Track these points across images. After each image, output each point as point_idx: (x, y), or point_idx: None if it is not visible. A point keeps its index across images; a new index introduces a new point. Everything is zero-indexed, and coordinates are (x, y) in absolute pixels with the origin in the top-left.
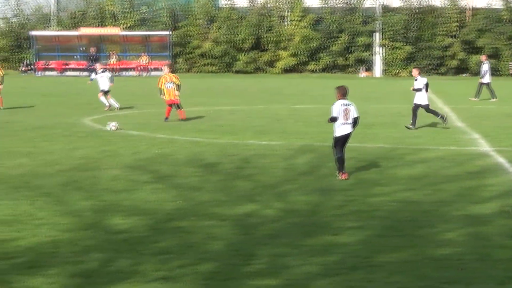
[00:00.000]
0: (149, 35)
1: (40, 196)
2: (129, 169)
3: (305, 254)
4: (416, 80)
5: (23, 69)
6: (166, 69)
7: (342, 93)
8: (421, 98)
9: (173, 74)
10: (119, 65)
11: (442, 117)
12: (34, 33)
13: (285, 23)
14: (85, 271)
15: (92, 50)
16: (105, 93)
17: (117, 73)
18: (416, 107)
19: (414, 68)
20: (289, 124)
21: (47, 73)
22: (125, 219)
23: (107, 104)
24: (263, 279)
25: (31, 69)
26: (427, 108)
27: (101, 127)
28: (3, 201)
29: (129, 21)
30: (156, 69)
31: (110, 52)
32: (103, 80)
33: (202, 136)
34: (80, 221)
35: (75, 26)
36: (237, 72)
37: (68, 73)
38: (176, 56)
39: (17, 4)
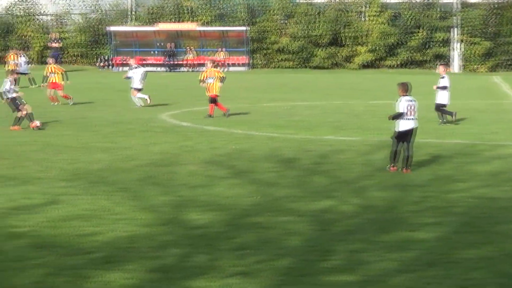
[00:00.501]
0: (226, 31)
1: (118, 191)
2: (206, 164)
3: (381, 250)
4: (443, 78)
5: (100, 64)
6: (209, 64)
7: (405, 89)
8: (444, 98)
9: (216, 69)
10: (196, 61)
11: (451, 114)
12: (112, 28)
13: (363, 19)
14: (162, 266)
15: (170, 45)
16: (138, 90)
17: (194, 69)
18: (439, 106)
19: (440, 65)
20: (366, 119)
21: (125, 68)
22: (202, 215)
23: (138, 104)
24: (340, 275)
25: (109, 65)
26: (444, 107)
27: (178, 122)
28: (81, 196)
29: (206, 16)
30: (233, 65)
31: (188, 47)
32: (136, 76)
33: (279, 132)
34: (157, 216)
35: (152, 21)
36: (315, 67)
37: (146, 69)
38: (253, 52)
39: None
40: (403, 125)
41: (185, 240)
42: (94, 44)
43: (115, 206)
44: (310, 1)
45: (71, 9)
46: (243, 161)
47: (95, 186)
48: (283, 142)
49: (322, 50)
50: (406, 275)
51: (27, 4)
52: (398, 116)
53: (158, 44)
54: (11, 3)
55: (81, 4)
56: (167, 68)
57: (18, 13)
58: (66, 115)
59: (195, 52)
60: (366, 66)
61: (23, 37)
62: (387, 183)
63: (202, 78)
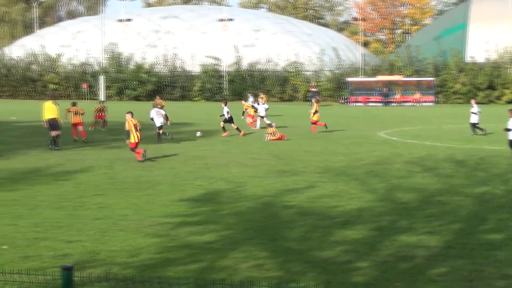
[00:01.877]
0: (420, 80)
1: (352, 180)
2: (407, 164)
3: None
4: (473, 107)
5: (341, 101)
6: (313, 100)
7: None
8: (475, 119)
9: (317, 104)
10: (401, 99)
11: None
12: (348, 79)
13: (508, 72)
14: (378, 227)
15: (385, 89)
16: (262, 117)
17: (400, 104)
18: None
19: (472, 99)
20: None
21: (356, 104)
22: (405, 195)
23: (258, 126)
24: (492, 235)
25: (347, 102)
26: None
27: (389, 137)
28: (329, 183)
29: (408, 71)
30: (424, 101)
31: (396, 91)
32: (261, 109)
33: (454, 143)
34: (376, 196)
35: (374, 74)
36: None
37: (370, 104)
38: (437, 93)
39: (338, 61)
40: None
41: (393, 211)
42: (337, 89)
43: (350, 189)
44: (474, 61)
45: (324, 67)
46: (430, 161)
47: (337, 176)
48: (457, 150)
49: (481, 92)
50: None
51: (296, 65)
52: (508, 130)
53: (377, 88)
54: (287, 64)
55: (330, 63)
56: (383, 104)
57: (291, 70)
58: (319, 133)
59: (400, 93)
60: (510, 102)
61: (294, 85)
62: None
63: (315, 110)
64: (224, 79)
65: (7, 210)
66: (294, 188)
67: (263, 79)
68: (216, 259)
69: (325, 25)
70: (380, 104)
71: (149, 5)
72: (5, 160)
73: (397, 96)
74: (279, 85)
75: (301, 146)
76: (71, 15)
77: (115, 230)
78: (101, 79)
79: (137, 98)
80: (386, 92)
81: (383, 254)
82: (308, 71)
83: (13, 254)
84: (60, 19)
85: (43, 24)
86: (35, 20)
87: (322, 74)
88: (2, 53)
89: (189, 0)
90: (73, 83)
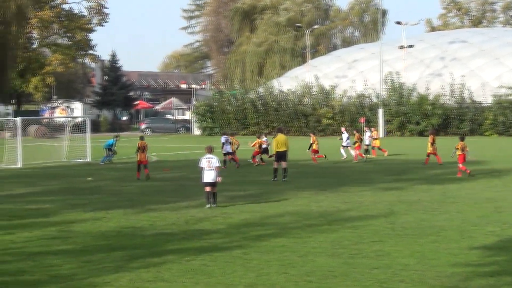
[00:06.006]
0: None
1: None
2: None
3: None
4: None
5: None
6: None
7: None
8: None
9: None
10: None
11: None
12: None
13: None
14: None
15: None
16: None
17: None
18: None
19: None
20: None
21: None
22: None
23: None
24: None
25: None
26: None
27: None
28: None
29: None
30: None
31: None
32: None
33: None
34: None
35: None
36: None
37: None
38: None
39: None
40: None
41: None
42: None
43: None
44: None
45: None
46: None
47: None
48: None
49: None
50: None
51: None
52: None
53: None
54: None
55: None
56: None
57: None
58: None
59: None
60: None
61: None
62: None
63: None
64: None
65: (276, 257)
66: None
67: None
68: None
69: None
70: None
71: (433, 29)
72: (276, 203)
73: None
74: None
75: None
76: (346, 42)
77: (395, 281)
78: (380, 113)
79: (421, 133)
80: None
81: None
82: None
83: None
84: (334, 47)
85: (315, 53)
86: (307, 49)
87: None
88: (272, 86)
89: (479, 22)
90: (349, 118)
